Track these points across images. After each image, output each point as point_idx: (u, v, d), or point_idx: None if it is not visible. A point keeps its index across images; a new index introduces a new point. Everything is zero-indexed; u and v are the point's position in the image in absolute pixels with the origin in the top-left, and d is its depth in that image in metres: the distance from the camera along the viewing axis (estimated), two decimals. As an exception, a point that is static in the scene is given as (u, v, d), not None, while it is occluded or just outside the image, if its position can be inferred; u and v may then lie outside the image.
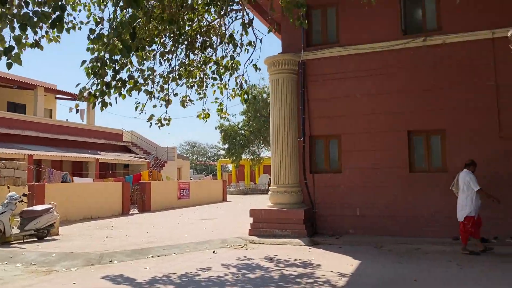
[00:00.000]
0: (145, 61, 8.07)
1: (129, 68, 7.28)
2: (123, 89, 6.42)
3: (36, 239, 10.59)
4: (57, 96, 29.28)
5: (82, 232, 12.05)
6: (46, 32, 7.06)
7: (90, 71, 7.70)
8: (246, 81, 8.98)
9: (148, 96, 8.06)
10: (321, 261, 7.78)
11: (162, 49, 8.89)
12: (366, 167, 10.45)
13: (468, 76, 9.75)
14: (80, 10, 7.02)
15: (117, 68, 5.95)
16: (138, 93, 7.73)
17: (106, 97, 6.17)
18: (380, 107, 10.41)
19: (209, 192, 26.45)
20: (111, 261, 8.12)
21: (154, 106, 9.08)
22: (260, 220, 10.59)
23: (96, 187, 17.78)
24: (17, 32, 4.81)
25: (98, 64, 5.70)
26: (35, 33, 5.02)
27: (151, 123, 8.62)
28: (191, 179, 33.98)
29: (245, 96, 8.94)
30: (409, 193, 10.05)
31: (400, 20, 10.42)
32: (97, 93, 6.09)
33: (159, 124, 8.82)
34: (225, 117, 10.13)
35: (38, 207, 10.82)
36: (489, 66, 9.60)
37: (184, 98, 9.66)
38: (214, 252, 8.91)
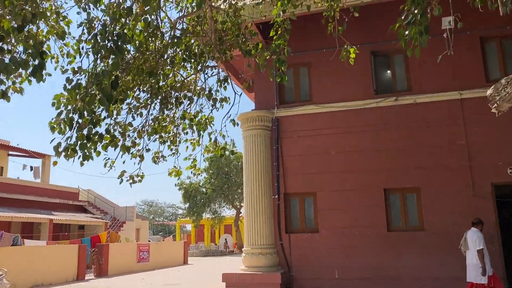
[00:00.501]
0: (118, 115, 7.65)
1: (107, 122, 6.83)
2: (99, 144, 5.93)
3: (-20, 311, 9.41)
4: (10, 152, 27.80)
5: (33, 302, 10.86)
6: (13, 82, 6.56)
7: (61, 124, 7.19)
8: (224, 136, 8.70)
9: (124, 152, 7.56)
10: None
11: (135, 103, 8.54)
12: (343, 226, 10.17)
13: (440, 135, 9.92)
14: (52, 59, 6.61)
15: (94, 120, 5.51)
16: (115, 149, 7.23)
17: (86, 150, 5.65)
18: (355, 164, 10.33)
19: (170, 254, 25.20)
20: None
21: (124, 162, 8.55)
22: (234, 285, 9.91)
23: (49, 250, 16.42)
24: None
25: (75, 116, 5.24)
26: (13, 82, 4.56)
27: (121, 179, 8.04)
28: (149, 241, 32.42)
29: (222, 151, 8.61)
30: (387, 253, 9.77)
31: (372, 79, 10.64)
32: (76, 147, 5.57)
33: (131, 181, 8.25)
34: (198, 174, 9.72)
35: (-14, 275, 9.71)
36: (459, 125, 9.84)
37: (156, 154, 9.21)
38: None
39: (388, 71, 10.89)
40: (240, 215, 43.43)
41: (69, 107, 7.00)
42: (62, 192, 28.42)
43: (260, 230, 10.31)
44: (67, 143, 5.76)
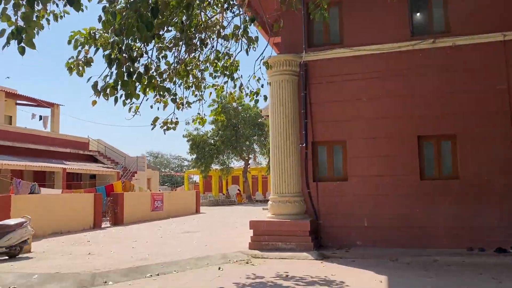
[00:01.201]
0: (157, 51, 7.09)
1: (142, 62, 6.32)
2: (137, 84, 5.46)
3: (7, 257, 9.31)
4: (18, 102, 27.37)
5: (57, 249, 10.78)
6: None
7: (79, 66, 6.72)
8: (259, 79, 8.21)
9: (163, 92, 7.07)
10: (344, 278, 7.04)
11: (160, 44, 8.00)
12: (373, 174, 9.88)
13: (479, 80, 9.41)
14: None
15: (133, 57, 5.04)
16: (154, 91, 6.77)
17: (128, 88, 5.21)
18: (388, 111, 9.90)
19: (182, 203, 25.29)
20: (105, 282, 7.06)
21: (151, 107, 8.16)
22: (262, 232, 9.76)
23: (66, 199, 16.35)
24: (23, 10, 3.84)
25: (115, 50, 4.77)
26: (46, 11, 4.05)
27: (154, 125, 7.66)
28: (159, 191, 32.59)
29: (254, 96, 8.16)
30: (419, 202, 9.53)
31: (408, 20, 9.99)
32: (117, 85, 5.13)
33: (165, 127, 7.89)
34: (222, 121, 9.36)
35: (11, 221, 9.55)
36: (501, 69, 9.30)
37: (180, 100, 8.77)
38: (219, 269, 7.99)
39: (425, 11, 10.19)
40: (249, 166, 43.51)
41: (86, 46, 6.49)
42: (72, 142, 28.22)
43: (287, 178, 10.04)
44: (105, 82, 5.34)
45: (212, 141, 41.38)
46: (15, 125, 26.89)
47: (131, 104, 8.03)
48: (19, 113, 28.33)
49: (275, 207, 10.05)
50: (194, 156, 41.74)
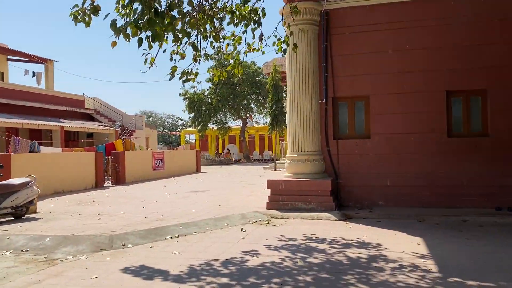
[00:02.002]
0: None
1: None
2: (160, 25, 4.76)
3: (13, 218, 8.85)
4: (9, 57, 26.22)
5: (64, 209, 10.33)
6: None
7: (86, 16, 6.04)
8: (289, 27, 7.50)
9: (184, 36, 6.38)
10: (377, 240, 6.66)
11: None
12: (398, 131, 9.38)
13: (515, 30, 8.78)
14: None
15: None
16: (174, 35, 6.08)
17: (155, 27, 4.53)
18: (415, 64, 9.28)
19: (183, 163, 24.89)
20: (124, 245, 6.62)
21: (171, 59, 7.47)
22: (280, 192, 9.34)
23: (67, 157, 15.78)
24: None
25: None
26: None
27: (172, 75, 6.99)
28: (158, 150, 32.08)
29: (282, 46, 7.47)
30: (446, 160, 9.10)
31: (440, -35, 9.22)
32: (141, 24, 4.46)
33: (184, 78, 7.22)
34: (239, 76, 8.72)
35: (16, 181, 9.01)
36: (539, 19, 8.66)
37: (198, 52, 8.05)
38: (242, 230, 7.58)
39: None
40: (247, 125, 42.96)
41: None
42: (68, 99, 27.36)
43: (306, 136, 9.52)
44: (124, 21, 4.65)
45: (209, 100, 40.56)
46: (7, 82, 25.86)
47: (146, 54, 7.41)
48: (11, 69, 27.18)
49: (293, 166, 9.58)
50: (191, 115, 41.06)
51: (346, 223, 8.14)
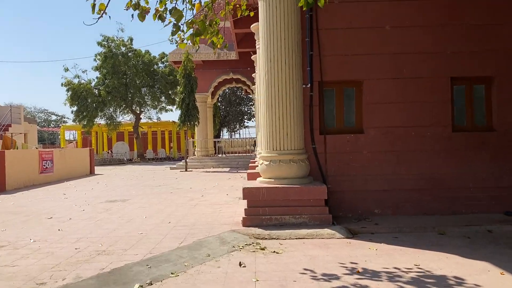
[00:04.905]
0: None
1: None
2: None
3: None
4: None
5: None
6: None
7: None
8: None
9: None
10: (444, 270, 4.88)
11: None
12: (396, 125, 7.80)
13: (522, 11, 7.76)
14: None
15: None
16: None
17: None
18: (416, 44, 7.77)
19: (75, 163, 21.01)
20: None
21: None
22: (261, 203, 7.11)
23: None
24: None
25: None
26: None
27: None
28: (36, 148, 27.03)
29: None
30: (450, 158, 7.77)
31: None
32: None
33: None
34: (218, 45, 6.29)
35: None
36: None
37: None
38: (241, 265, 5.18)
39: None
40: (141, 121, 39.17)
41: None
42: None
43: (290, 130, 7.42)
44: None
45: (96, 91, 35.87)
46: None
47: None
48: None
49: (273, 168, 7.41)
50: (73, 109, 35.88)
51: (360, 241, 6.26)
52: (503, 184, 7.69)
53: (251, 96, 37.69)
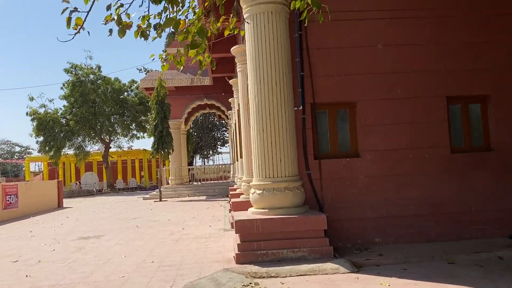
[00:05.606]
0: None
1: None
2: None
3: None
4: None
5: None
6: None
7: None
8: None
9: None
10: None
11: None
12: (393, 147, 7.40)
13: (515, 28, 7.62)
14: None
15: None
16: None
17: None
18: (410, 63, 7.48)
19: (42, 197, 19.78)
20: None
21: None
22: (255, 237, 6.49)
23: None
24: None
25: None
26: None
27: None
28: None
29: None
30: (451, 181, 7.40)
31: None
32: None
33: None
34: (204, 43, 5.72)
35: None
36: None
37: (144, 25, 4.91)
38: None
39: None
40: (110, 150, 37.89)
41: None
42: None
43: (283, 154, 6.89)
44: None
45: (64, 121, 34.55)
46: None
47: (72, 10, 4.23)
48: None
49: (267, 197, 6.82)
50: (40, 139, 34.35)
51: (368, 276, 5.71)
52: (505, 206, 7.37)
53: (225, 121, 37.20)
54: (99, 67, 36.12)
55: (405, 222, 7.27)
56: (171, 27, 4.24)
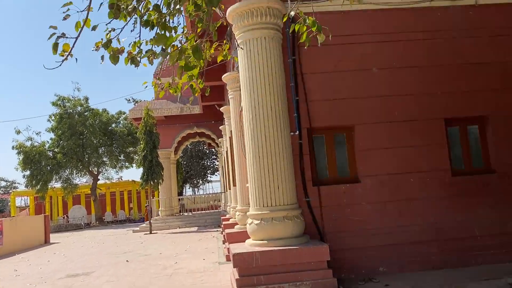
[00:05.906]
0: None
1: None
2: None
3: None
4: None
5: None
6: None
7: None
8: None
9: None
10: None
11: None
12: (393, 172, 7.19)
13: None
14: None
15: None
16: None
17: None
18: (406, 86, 7.37)
19: (28, 232, 19.16)
20: None
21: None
22: (255, 271, 6.13)
23: None
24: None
25: None
26: None
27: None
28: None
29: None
30: (453, 205, 7.19)
31: (422, -30, 7.68)
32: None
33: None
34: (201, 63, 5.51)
35: None
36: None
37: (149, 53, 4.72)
38: None
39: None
40: (98, 181, 37.24)
41: None
42: None
43: (281, 182, 6.62)
44: None
45: (51, 154, 33.98)
46: None
47: (58, 36, 4.02)
48: None
49: (266, 228, 6.51)
50: (26, 173, 33.65)
51: (380, 310, 5.40)
52: (509, 229, 7.15)
53: (215, 149, 36.91)
54: (86, 99, 35.90)
55: (410, 250, 6.99)
56: (163, 45, 4.03)
